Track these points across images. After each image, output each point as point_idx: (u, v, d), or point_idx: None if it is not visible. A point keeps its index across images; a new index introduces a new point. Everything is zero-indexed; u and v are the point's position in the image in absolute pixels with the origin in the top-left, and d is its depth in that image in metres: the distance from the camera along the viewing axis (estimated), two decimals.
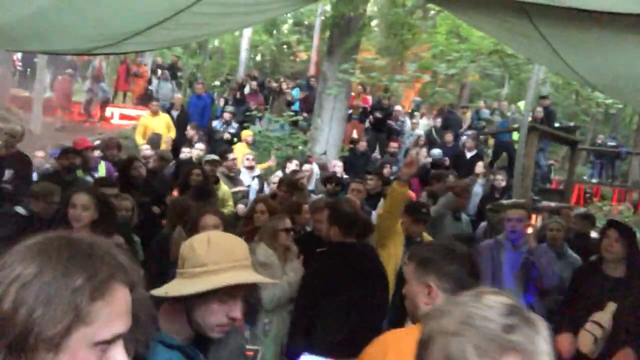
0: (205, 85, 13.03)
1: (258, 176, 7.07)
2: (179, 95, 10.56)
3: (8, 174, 4.45)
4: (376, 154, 10.83)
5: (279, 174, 6.91)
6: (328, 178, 6.38)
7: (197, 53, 19.82)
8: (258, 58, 22.75)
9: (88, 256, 0.76)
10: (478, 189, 7.59)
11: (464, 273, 1.53)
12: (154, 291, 1.28)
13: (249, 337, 2.80)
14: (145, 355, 0.94)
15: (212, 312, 1.32)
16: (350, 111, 11.33)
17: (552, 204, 6.88)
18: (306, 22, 22.16)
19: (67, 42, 3.67)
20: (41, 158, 7.61)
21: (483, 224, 5.64)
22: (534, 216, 5.64)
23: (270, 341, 3.05)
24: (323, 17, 17.12)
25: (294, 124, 11.38)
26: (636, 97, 3.99)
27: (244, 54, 18.04)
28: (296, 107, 12.34)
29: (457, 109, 13.33)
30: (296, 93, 12.76)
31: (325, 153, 9.84)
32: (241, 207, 5.57)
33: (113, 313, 0.75)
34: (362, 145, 9.86)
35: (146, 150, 6.82)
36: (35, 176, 5.67)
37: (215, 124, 9.97)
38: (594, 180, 12.67)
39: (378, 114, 11.24)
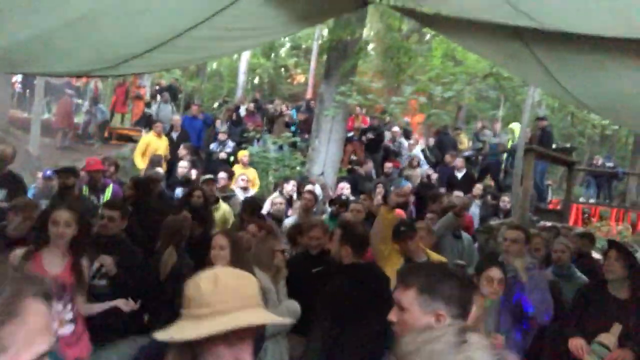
0: (203, 107, 13.12)
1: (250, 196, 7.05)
2: (177, 117, 10.59)
3: (1, 194, 4.43)
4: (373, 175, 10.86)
5: (276, 194, 6.90)
6: (332, 200, 6.38)
7: (196, 75, 20.01)
8: (256, 81, 22.98)
9: None
10: (475, 210, 7.60)
11: (465, 295, 1.50)
12: (158, 335, 1.20)
13: None
14: None
15: (220, 356, 1.19)
16: (352, 133, 11.42)
17: (559, 225, 6.85)
18: (303, 46, 22.49)
19: (65, 65, 3.69)
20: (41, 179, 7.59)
21: (474, 245, 5.59)
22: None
23: None
24: (320, 41, 17.38)
25: (292, 145, 11.43)
26: (630, 118, 4.03)
27: (242, 77, 18.21)
28: (293, 128, 12.43)
29: (451, 131, 13.44)
30: (294, 114, 12.87)
31: (322, 174, 9.86)
32: None
33: (31, 332, 0.68)
34: (368, 166, 9.95)
35: (159, 170, 6.79)
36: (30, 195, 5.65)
37: (213, 146, 10.01)
38: (592, 201, 12.68)
39: (370, 135, 11.35)
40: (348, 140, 11.24)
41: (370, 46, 12.77)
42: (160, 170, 6.86)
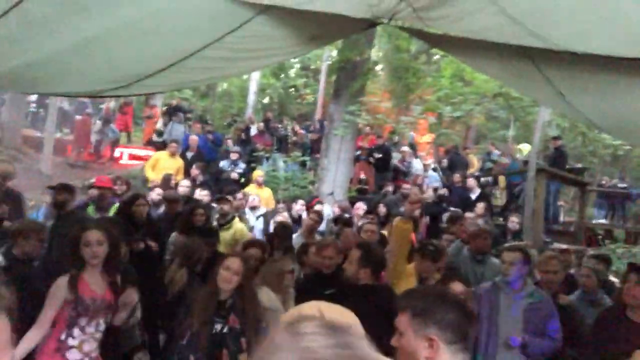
0: (214, 126, 13.24)
1: (262, 215, 7.04)
2: (194, 137, 10.64)
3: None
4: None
5: (285, 214, 6.88)
6: (336, 219, 6.35)
7: (206, 95, 20.27)
8: (266, 100, 23.22)
9: None
10: None
11: (463, 321, 1.48)
12: None
13: None
14: None
15: None
16: (359, 152, 11.42)
17: (573, 248, 6.72)
18: (312, 67, 22.73)
19: (78, 85, 3.76)
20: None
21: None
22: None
23: None
24: (329, 62, 17.57)
25: (302, 164, 11.46)
26: None
27: (252, 97, 18.41)
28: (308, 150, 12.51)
29: (461, 150, 13.41)
30: (307, 136, 12.97)
31: (332, 193, 9.84)
32: None
33: None
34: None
35: (155, 195, 6.74)
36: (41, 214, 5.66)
37: (223, 164, 10.06)
38: (606, 222, 12.48)
39: (377, 154, 11.35)
40: (356, 160, 11.25)
41: (379, 67, 12.86)
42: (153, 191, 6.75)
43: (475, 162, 13.18)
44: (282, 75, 22.66)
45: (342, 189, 10.18)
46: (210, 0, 3.01)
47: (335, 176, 10.14)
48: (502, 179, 11.79)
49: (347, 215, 7.22)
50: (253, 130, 12.60)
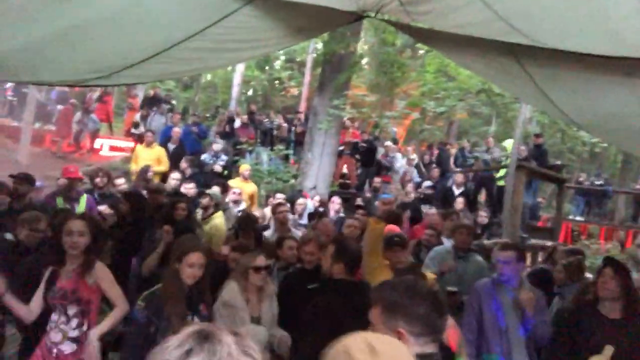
0: (197, 118, 13.09)
1: (243, 210, 6.99)
2: (177, 129, 10.51)
3: None
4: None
5: (267, 209, 6.87)
6: (312, 214, 6.36)
7: (190, 87, 20.04)
8: (250, 93, 23.07)
9: None
10: None
11: (432, 314, 1.50)
12: None
13: None
14: None
15: None
16: (342, 147, 11.44)
17: (548, 243, 6.85)
18: (298, 59, 22.64)
19: (58, 74, 3.67)
20: None
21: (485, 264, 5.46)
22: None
23: None
24: (314, 54, 17.51)
25: (285, 158, 11.43)
26: (619, 136, 4.07)
27: (236, 89, 18.26)
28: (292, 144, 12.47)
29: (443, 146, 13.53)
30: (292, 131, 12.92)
31: (315, 187, 9.85)
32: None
33: None
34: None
35: (121, 185, 6.60)
36: None
37: (204, 156, 9.96)
38: (582, 218, 12.77)
39: (363, 145, 11.40)
40: (340, 154, 11.27)
41: (364, 60, 12.88)
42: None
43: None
44: (267, 68, 22.53)
45: (324, 183, 10.19)
46: None
47: (318, 170, 10.15)
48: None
49: (321, 209, 7.25)
50: (237, 123, 12.50)
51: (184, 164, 8.69)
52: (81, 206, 5.50)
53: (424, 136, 14.97)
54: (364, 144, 11.49)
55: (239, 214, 6.71)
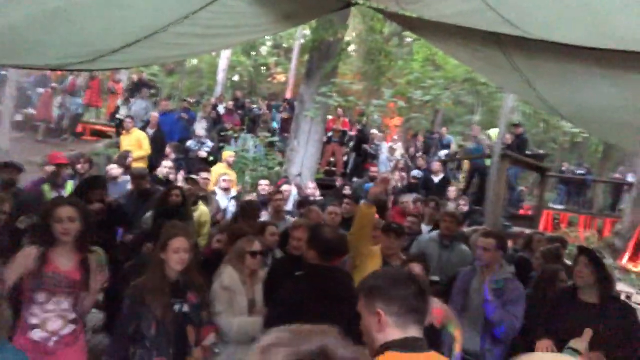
0: (182, 104, 12.95)
1: (235, 197, 6.97)
2: (155, 114, 10.38)
3: None
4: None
5: (254, 195, 6.85)
6: (301, 202, 6.38)
7: (175, 72, 19.74)
8: (236, 78, 22.82)
9: None
10: None
11: (410, 295, 1.53)
12: None
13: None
14: None
15: None
16: (330, 134, 11.44)
17: (528, 231, 6.98)
18: (285, 45, 22.44)
19: (40, 58, 3.59)
20: None
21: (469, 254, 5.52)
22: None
23: None
24: (302, 41, 17.38)
25: (270, 145, 11.38)
26: (601, 127, 4.15)
27: (222, 75, 18.06)
28: (275, 126, 12.42)
29: (429, 135, 13.63)
30: (274, 115, 12.85)
31: (300, 175, 9.85)
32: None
33: None
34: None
35: (112, 170, 6.54)
36: None
37: (191, 143, 9.88)
38: (562, 207, 13.02)
39: (355, 134, 11.45)
40: (328, 142, 11.27)
41: (352, 48, 12.84)
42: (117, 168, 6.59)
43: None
44: (254, 53, 22.29)
45: (310, 171, 10.19)
46: None
47: (304, 158, 10.14)
48: (466, 163, 12.07)
49: (312, 198, 7.29)
50: (222, 109, 12.39)
51: (168, 150, 8.60)
52: (67, 191, 5.43)
53: (410, 125, 15.04)
54: (358, 134, 11.50)
55: (231, 201, 6.73)
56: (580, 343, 2.75)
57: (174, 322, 2.71)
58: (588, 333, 2.77)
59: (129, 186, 5.95)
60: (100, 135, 12.49)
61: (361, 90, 11.47)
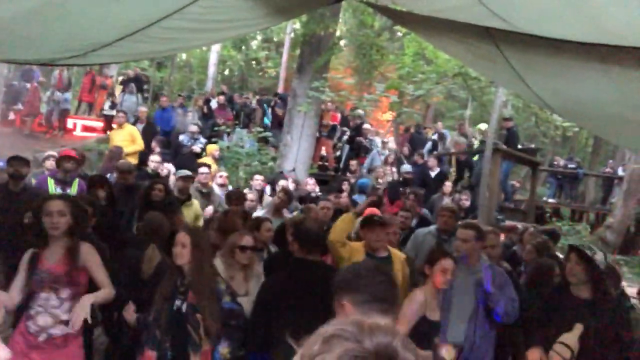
0: (171, 98, 12.87)
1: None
2: (143, 109, 10.32)
3: None
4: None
5: (247, 191, 6.83)
6: (303, 197, 6.38)
7: (165, 66, 19.56)
8: (226, 73, 22.69)
9: None
10: None
11: (375, 284, 1.55)
12: None
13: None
14: None
15: None
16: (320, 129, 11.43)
17: (519, 224, 7.04)
18: (275, 39, 22.32)
19: (31, 52, 3.56)
20: None
21: None
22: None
23: None
24: (292, 35, 17.30)
25: (263, 140, 11.35)
26: (593, 121, 4.18)
27: (212, 69, 17.94)
28: (267, 122, 12.38)
29: (421, 129, 13.65)
30: (267, 111, 12.80)
31: (294, 170, 9.84)
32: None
33: None
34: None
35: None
36: None
37: (182, 138, 9.82)
38: (554, 201, 13.13)
39: (346, 129, 11.45)
40: (319, 137, 11.25)
41: (343, 42, 12.81)
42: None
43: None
44: (243, 48, 22.15)
45: (304, 166, 10.19)
46: None
47: (297, 153, 10.13)
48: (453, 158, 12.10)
49: (313, 195, 7.30)
50: (214, 104, 12.32)
51: (154, 144, 8.55)
52: (73, 190, 5.37)
53: (402, 119, 15.05)
54: (353, 128, 11.49)
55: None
56: (571, 337, 2.78)
57: (171, 316, 2.65)
58: (578, 328, 2.80)
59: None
60: (91, 130, 12.39)
61: (353, 84, 11.45)
